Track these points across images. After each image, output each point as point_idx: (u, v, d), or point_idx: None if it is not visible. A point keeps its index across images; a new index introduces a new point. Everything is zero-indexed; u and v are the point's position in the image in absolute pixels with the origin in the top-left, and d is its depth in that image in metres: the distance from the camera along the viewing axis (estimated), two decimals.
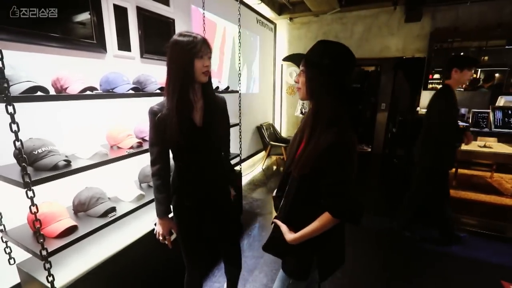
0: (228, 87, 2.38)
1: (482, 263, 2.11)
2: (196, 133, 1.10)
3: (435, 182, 2.19)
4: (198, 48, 1.00)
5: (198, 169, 1.15)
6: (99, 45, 1.77)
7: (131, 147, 1.54)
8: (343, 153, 0.82)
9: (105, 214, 1.36)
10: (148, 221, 1.71)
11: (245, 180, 3.95)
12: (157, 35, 2.27)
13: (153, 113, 1.07)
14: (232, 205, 1.37)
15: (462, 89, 4.09)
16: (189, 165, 1.14)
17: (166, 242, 1.22)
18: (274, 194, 1.09)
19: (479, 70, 4.07)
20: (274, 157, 5.01)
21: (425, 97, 4.35)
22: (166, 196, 1.16)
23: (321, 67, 0.83)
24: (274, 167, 4.79)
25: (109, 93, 1.39)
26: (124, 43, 1.99)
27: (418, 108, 4.26)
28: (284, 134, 5.37)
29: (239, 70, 2.50)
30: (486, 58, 3.94)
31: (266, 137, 4.50)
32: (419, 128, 2.25)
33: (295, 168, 0.89)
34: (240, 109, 2.60)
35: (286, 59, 1.00)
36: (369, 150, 5.32)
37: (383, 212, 2.99)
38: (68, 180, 1.31)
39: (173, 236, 1.24)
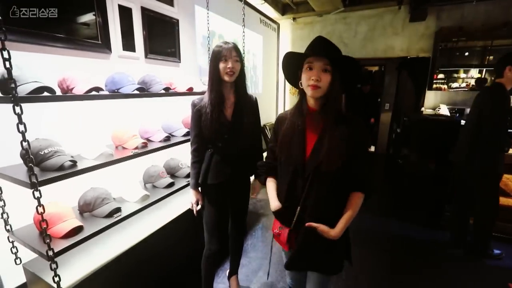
0: None
1: (490, 267, 2.09)
2: (225, 124, 1.32)
3: (487, 188, 2.04)
4: (223, 53, 1.25)
5: (224, 155, 1.38)
6: (104, 46, 1.77)
7: (136, 148, 1.54)
8: (368, 136, 1.01)
9: (110, 215, 1.36)
10: (153, 222, 1.71)
11: None
12: (161, 35, 2.27)
13: (193, 104, 1.37)
14: (248, 196, 1.58)
15: (467, 89, 4.05)
16: (218, 151, 1.38)
17: (194, 209, 1.48)
18: (275, 208, 1.03)
19: (484, 70, 4.03)
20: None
21: (430, 97, 4.32)
22: (197, 172, 1.42)
23: (346, 66, 0.91)
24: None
25: (114, 94, 1.39)
26: (128, 44, 2.00)
27: (422, 108, 4.24)
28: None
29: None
30: (491, 57, 3.89)
31: (269, 138, 4.49)
32: (425, 128, 2.23)
33: (328, 163, 0.89)
34: None
35: (285, 62, 1.01)
36: (372, 150, 5.29)
37: (388, 213, 2.97)
38: (74, 180, 1.30)
39: (199, 207, 1.48)
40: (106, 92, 1.31)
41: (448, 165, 2.57)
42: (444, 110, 3.49)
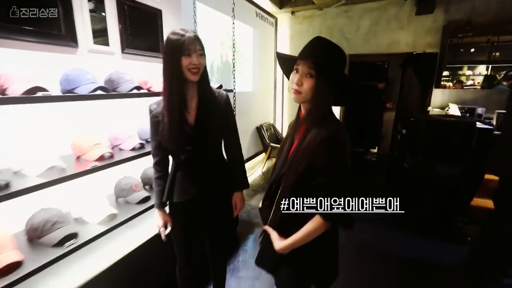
0: (220, 86, 2.12)
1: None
2: (188, 132, 1.09)
3: None
4: (185, 45, 0.99)
5: (191, 168, 1.16)
6: (68, 38, 1.52)
7: (100, 158, 1.29)
8: (338, 148, 0.81)
9: (61, 243, 1.12)
10: (122, 245, 1.46)
11: None
12: (141, 27, 2.01)
13: (149, 110, 1.14)
14: (229, 212, 1.33)
15: (478, 87, 3.79)
16: (183, 163, 1.15)
17: (161, 234, 1.24)
18: (260, 204, 1.04)
19: (490, 66, 3.76)
20: (274, 160, 4.75)
21: (437, 95, 4.05)
22: (161, 189, 1.21)
23: (335, 75, 0.82)
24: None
25: (60, 96, 1.11)
26: (101, 36, 1.75)
27: (429, 108, 3.97)
28: (285, 134, 5.10)
29: (233, 67, 2.24)
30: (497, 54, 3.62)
31: (266, 138, 4.24)
32: (437, 130, 1.98)
33: (288, 169, 0.86)
34: (234, 110, 2.34)
35: (280, 60, 0.97)
36: (375, 151, 5.05)
37: (393, 224, 2.71)
38: (22, 199, 1.06)
39: (168, 230, 1.26)
40: (48, 94, 1.04)
41: (463, 171, 2.33)
42: (454, 110, 3.23)
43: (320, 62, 0.80)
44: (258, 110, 4.44)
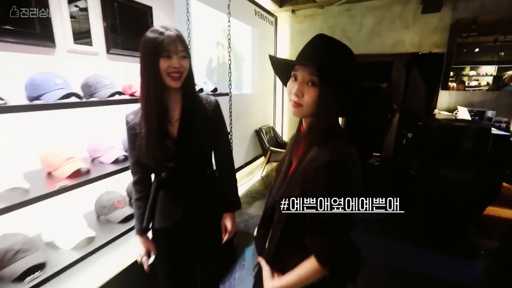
0: (215, 89, 1.96)
1: None
2: (170, 146, 0.93)
3: None
4: (164, 45, 0.84)
5: (174, 188, 1.00)
6: (44, 37, 1.37)
7: (76, 174, 1.13)
8: (340, 176, 0.63)
9: (23, 276, 0.95)
10: (100, 273, 1.30)
11: (241, 191, 3.53)
12: (129, 25, 1.85)
13: (125, 121, 0.98)
14: (220, 236, 1.15)
15: (485, 89, 3.62)
16: (165, 182, 0.99)
17: (144, 265, 1.09)
18: (255, 233, 0.89)
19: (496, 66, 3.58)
20: (274, 164, 4.58)
21: (444, 97, 3.89)
22: (142, 212, 1.04)
23: (345, 81, 0.65)
24: (275, 174, 4.37)
25: (18, 106, 0.91)
26: (83, 35, 1.59)
27: (436, 111, 3.81)
28: (286, 138, 4.93)
29: (229, 68, 2.07)
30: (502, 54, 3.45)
31: (265, 142, 4.07)
32: (448, 135, 1.81)
33: (281, 196, 0.70)
34: (230, 115, 2.17)
35: (274, 66, 0.81)
36: (377, 154, 4.88)
37: (400, 236, 2.55)
38: None
39: (151, 259, 1.10)
40: (4, 104, 0.87)
41: (476, 180, 2.17)
42: (463, 114, 3.06)
43: (324, 67, 0.64)
44: (257, 112, 4.27)
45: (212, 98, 1.05)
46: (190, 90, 0.96)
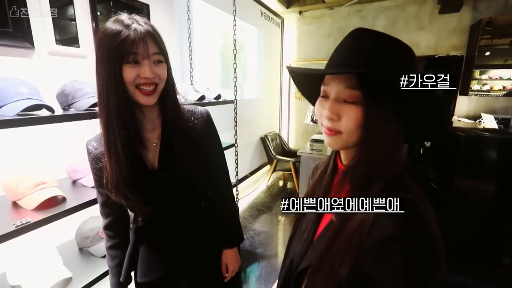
0: (219, 96, 1.74)
1: None
2: (148, 179, 0.72)
3: None
4: (128, 45, 0.59)
5: (158, 234, 0.80)
6: (20, 37, 1.19)
7: (46, 205, 0.91)
8: (418, 251, 0.40)
9: None
10: None
11: (245, 203, 3.30)
12: None
13: (87, 151, 0.75)
14: (219, 279, 0.93)
15: (501, 94, 3.36)
16: (146, 226, 0.78)
17: None
18: None
19: None
20: (280, 173, 4.35)
21: (463, 103, 3.64)
22: (118, 263, 0.83)
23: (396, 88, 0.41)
24: (281, 183, 4.14)
25: None
26: (66, 35, 1.41)
27: (454, 117, 3.56)
28: (292, 145, 4.69)
29: (235, 72, 1.86)
30: None
31: (271, 150, 3.84)
32: (474, 147, 1.58)
33: (317, 270, 0.47)
34: (236, 124, 1.96)
35: (296, 79, 0.58)
36: None
37: None
38: None
39: None
40: None
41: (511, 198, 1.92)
42: (490, 122, 2.81)
43: (369, 74, 0.43)
44: (263, 118, 4.05)
45: (202, 109, 0.83)
46: (171, 104, 0.73)
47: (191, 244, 0.83)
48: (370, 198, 0.44)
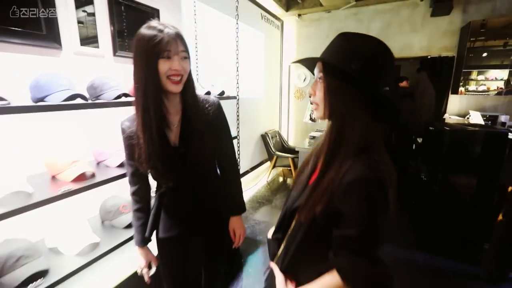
0: (223, 92, 1.93)
1: None
2: (171, 154, 0.89)
3: None
4: (164, 45, 0.76)
5: (178, 197, 0.97)
6: (51, 38, 1.36)
7: (80, 178, 1.10)
8: (373, 193, 0.57)
9: (26, 283, 0.92)
10: (103, 280, 1.25)
11: (247, 196, 3.48)
12: (135, 28, 1.82)
13: (121, 130, 0.93)
14: (226, 242, 1.12)
15: (491, 93, 3.51)
16: (168, 192, 0.96)
17: (144, 276, 1.06)
18: (269, 235, 0.84)
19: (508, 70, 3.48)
20: (280, 169, 4.52)
21: (454, 102, 3.81)
22: (143, 223, 1.01)
23: (348, 74, 0.59)
24: (281, 179, 4.31)
25: (24, 107, 0.89)
26: (90, 37, 1.59)
27: (446, 115, 3.73)
28: (291, 142, 4.87)
29: (237, 71, 2.05)
30: None
31: (271, 147, 4.02)
32: (460, 141, 1.74)
33: (303, 205, 0.65)
34: (238, 119, 2.14)
35: (299, 61, 0.74)
36: None
37: (412, 244, 2.47)
38: None
39: (152, 271, 1.10)
40: (6, 104, 0.84)
41: (492, 188, 2.08)
42: (476, 118, 2.98)
43: (324, 60, 0.63)
44: (263, 116, 4.24)
45: (214, 99, 0.99)
46: (191, 93, 0.90)
47: (203, 209, 1.00)
48: (342, 156, 0.62)
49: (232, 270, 2.03)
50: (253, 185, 3.86)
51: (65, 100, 0.99)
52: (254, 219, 2.90)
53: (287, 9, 4.29)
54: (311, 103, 0.69)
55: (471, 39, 3.40)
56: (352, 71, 0.59)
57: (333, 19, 4.33)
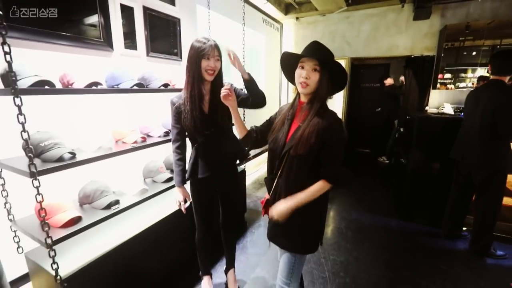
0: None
1: (492, 266, 2.06)
2: (204, 118, 1.34)
3: (495, 187, 2.03)
4: (206, 50, 1.24)
5: (207, 148, 1.42)
6: (106, 44, 1.82)
7: (135, 142, 1.58)
8: (342, 131, 1.02)
9: (108, 207, 1.40)
10: (151, 215, 1.74)
11: (250, 179, 3.96)
12: (162, 34, 2.32)
13: (172, 102, 1.39)
14: (239, 184, 1.56)
15: (468, 89, 3.97)
16: (201, 145, 1.41)
17: (182, 208, 1.49)
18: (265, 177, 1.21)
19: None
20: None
21: (435, 96, 4.27)
22: (182, 169, 1.44)
23: (334, 69, 1.01)
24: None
25: (113, 89, 1.42)
26: (130, 42, 2.05)
27: (427, 108, 4.19)
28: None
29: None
30: None
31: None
32: (428, 127, 2.16)
33: (297, 143, 1.01)
34: (244, 113, 2.61)
35: (282, 61, 1.14)
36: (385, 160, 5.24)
37: (390, 213, 2.95)
38: (74, 174, 1.36)
39: (187, 204, 1.51)
40: (104, 87, 1.35)
41: (452, 164, 2.54)
42: (448, 109, 3.45)
43: (324, 59, 1.01)
44: (264, 115, 4.66)
45: (229, 83, 1.41)
46: (219, 82, 1.37)
47: (226, 158, 1.48)
48: (320, 111, 1.05)
49: (240, 231, 2.51)
50: (255, 170, 4.34)
51: (132, 87, 1.47)
52: (256, 195, 3.39)
53: (286, 13, 4.76)
54: (301, 82, 1.02)
55: (449, 40, 3.86)
56: (336, 66, 1.03)
57: (328, 22, 4.79)
